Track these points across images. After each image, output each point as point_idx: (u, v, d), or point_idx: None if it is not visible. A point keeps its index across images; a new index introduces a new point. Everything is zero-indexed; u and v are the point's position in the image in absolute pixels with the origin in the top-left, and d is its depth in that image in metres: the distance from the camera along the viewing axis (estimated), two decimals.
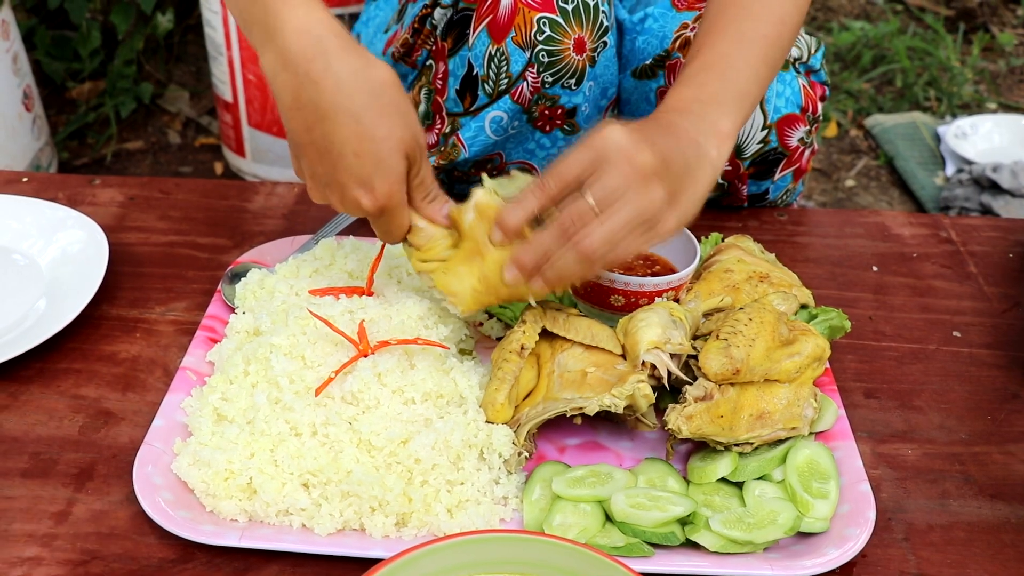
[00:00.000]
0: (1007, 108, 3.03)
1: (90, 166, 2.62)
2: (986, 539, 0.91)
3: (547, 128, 1.25)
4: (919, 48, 3.16)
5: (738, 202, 1.35)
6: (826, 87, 1.33)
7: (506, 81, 1.18)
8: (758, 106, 1.19)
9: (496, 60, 1.17)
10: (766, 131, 1.23)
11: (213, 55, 2.32)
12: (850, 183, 2.71)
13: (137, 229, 1.28)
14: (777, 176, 1.31)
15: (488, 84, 1.19)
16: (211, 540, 0.84)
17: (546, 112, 1.22)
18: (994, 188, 2.42)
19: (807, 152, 1.32)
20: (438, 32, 1.23)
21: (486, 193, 0.93)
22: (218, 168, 2.64)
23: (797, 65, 1.24)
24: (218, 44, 2.26)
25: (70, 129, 2.65)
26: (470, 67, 1.20)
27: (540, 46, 1.15)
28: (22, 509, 0.90)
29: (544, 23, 1.14)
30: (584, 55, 1.18)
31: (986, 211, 2.40)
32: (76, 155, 2.65)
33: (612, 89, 1.27)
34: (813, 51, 1.29)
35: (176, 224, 1.29)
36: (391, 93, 0.88)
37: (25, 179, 1.38)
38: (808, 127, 1.27)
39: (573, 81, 1.19)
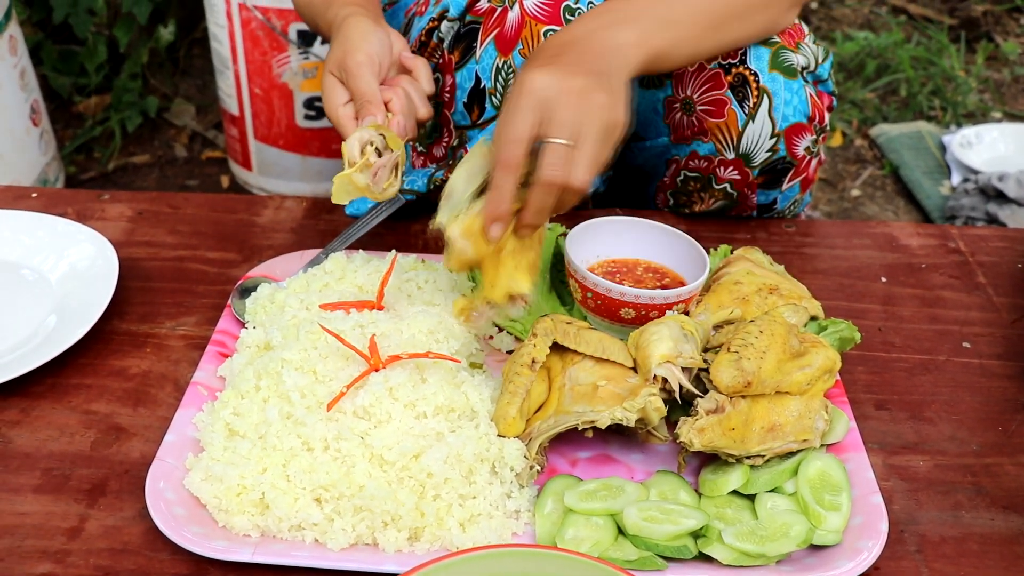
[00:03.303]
0: (1012, 117, 3.03)
1: (97, 180, 2.63)
2: (999, 551, 0.90)
3: None
4: (923, 58, 3.16)
5: (748, 211, 1.35)
6: (833, 97, 1.33)
7: None
8: (767, 114, 1.19)
9: (503, 73, 1.18)
10: (775, 139, 1.23)
11: (219, 69, 2.32)
12: (855, 193, 2.72)
13: (146, 244, 1.29)
14: (785, 186, 1.31)
15: (496, 97, 1.20)
16: (224, 555, 0.84)
17: None
18: (1000, 197, 2.42)
19: (814, 162, 1.32)
20: (445, 45, 1.24)
21: (450, 219, 0.95)
22: (224, 181, 2.65)
23: (805, 74, 1.24)
24: (224, 58, 2.27)
25: (77, 143, 2.66)
26: (477, 80, 1.20)
27: None
28: (35, 525, 0.91)
29: (551, 36, 1.15)
30: None
31: (992, 220, 2.39)
32: (83, 169, 2.66)
33: None
34: (821, 60, 1.29)
35: (185, 239, 1.30)
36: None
37: (34, 195, 1.38)
38: (815, 136, 1.27)
39: None
